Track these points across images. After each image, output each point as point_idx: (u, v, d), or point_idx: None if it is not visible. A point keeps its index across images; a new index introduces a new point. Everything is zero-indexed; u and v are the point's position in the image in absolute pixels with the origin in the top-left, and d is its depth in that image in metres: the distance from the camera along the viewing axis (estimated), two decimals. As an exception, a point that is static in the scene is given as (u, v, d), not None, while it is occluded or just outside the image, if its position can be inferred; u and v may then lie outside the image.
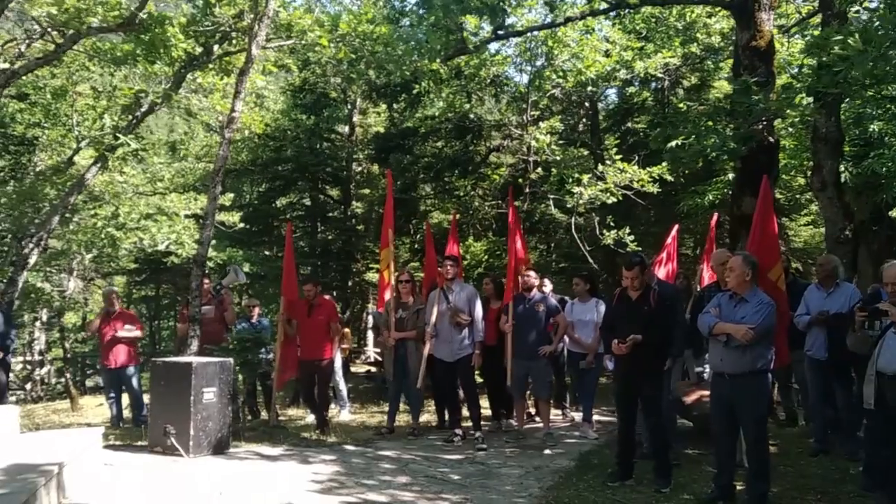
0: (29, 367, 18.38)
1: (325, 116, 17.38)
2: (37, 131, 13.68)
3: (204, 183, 17.57)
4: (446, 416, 7.98)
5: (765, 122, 8.67)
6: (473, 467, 6.17)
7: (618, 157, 13.24)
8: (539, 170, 14.78)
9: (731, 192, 10.65)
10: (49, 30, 9.44)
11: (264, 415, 9.04)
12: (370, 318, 16.48)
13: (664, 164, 11.91)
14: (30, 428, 8.12)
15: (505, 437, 7.64)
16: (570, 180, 13.10)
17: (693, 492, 5.18)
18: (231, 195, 16.46)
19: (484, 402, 8.04)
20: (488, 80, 14.67)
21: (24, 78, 10.67)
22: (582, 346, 7.69)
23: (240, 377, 8.39)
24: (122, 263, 16.70)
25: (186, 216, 14.62)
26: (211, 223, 8.36)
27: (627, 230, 12.86)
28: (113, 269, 17.91)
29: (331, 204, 19.47)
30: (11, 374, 12.58)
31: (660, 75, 13.81)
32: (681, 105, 11.64)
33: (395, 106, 16.95)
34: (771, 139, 8.96)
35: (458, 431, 7.33)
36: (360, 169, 19.15)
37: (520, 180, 15.17)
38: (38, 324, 18.85)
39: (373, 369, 13.28)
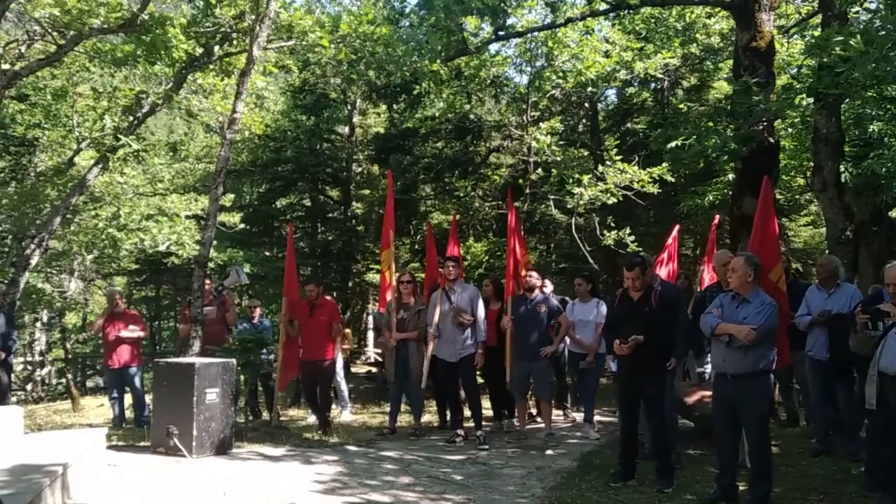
0: (29, 367, 18.38)
1: (325, 117, 17.37)
2: (37, 132, 13.69)
3: (204, 184, 17.60)
4: (447, 417, 7.99)
5: (765, 123, 8.68)
6: (476, 468, 6.18)
7: (618, 157, 13.28)
8: (539, 170, 14.81)
9: (730, 193, 10.67)
10: (50, 31, 9.45)
11: (265, 415, 9.05)
12: (370, 318, 16.48)
13: (664, 164, 11.94)
14: (32, 429, 8.13)
15: (507, 437, 7.65)
16: (571, 181, 13.13)
17: (695, 492, 5.19)
18: (231, 196, 16.49)
19: (485, 403, 8.06)
20: (488, 81, 14.70)
21: (24, 79, 10.68)
22: (582, 346, 7.71)
23: (241, 378, 8.40)
24: (122, 264, 16.71)
25: (187, 217, 14.62)
26: (213, 224, 8.37)
27: (628, 231, 12.90)
28: (114, 269, 17.93)
29: (331, 205, 19.48)
30: (12, 375, 12.57)
31: (659, 76, 13.85)
32: (681, 106, 11.67)
33: (395, 106, 16.97)
34: (771, 140, 8.97)
35: (460, 432, 7.34)
36: (360, 170, 19.16)
37: (520, 181, 15.21)
38: (38, 324, 18.86)
39: (373, 370, 13.29)
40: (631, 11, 12.53)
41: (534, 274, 7.60)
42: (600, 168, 13.12)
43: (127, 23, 9.07)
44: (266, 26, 8.45)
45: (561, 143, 14.97)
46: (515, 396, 7.63)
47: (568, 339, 7.86)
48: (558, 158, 14.27)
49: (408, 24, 11.96)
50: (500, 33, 11.37)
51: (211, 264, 13.51)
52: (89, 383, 19.00)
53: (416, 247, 17.02)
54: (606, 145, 16.25)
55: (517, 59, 14.94)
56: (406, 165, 16.37)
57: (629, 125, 16.95)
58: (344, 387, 9.61)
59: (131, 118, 11.38)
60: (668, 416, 5.85)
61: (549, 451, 6.84)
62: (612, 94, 18.08)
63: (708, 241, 8.92)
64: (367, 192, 19.06)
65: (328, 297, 8.54)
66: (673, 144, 8.70)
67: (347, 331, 12.16)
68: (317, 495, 5.12)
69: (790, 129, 11.39)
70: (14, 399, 13.33)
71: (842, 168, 9.15)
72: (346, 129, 19.01)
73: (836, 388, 6.20)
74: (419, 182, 16.88)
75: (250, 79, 8.81)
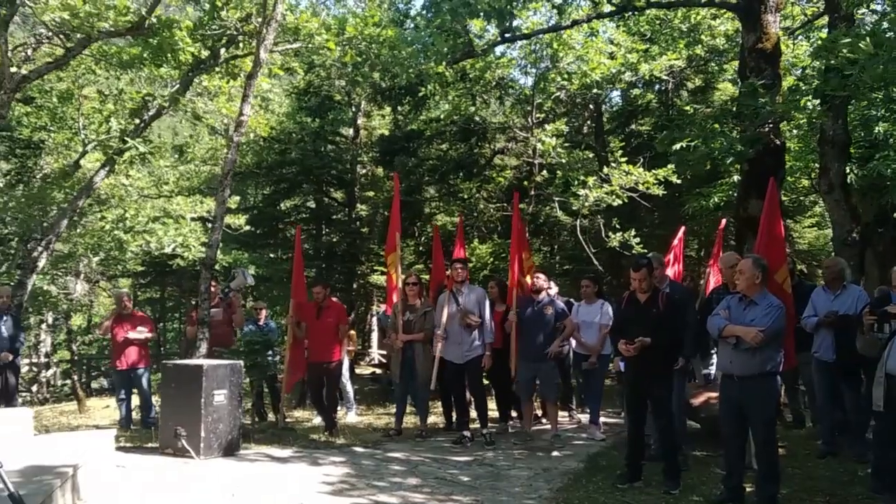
0: (35, 369, 18.42)
1: (330, 119, 17.42)
2: (43, 135, 13.73)
3: (209, 186, 17.63)
4: (453, 418, 8.00)
5: (771, 125, 8.69)
6: (482, 469, 6.19)
7: (623, 159, 13.28)
8: (544, 172, 14.83)
9: (736, 195, 10.67)
10: (57, 34, 9.49)
11: (271, 417, 9.07)
12: (375, 319, 16.51)
13: (669, 166, 11.95)
14: (40, 430, 8.15)
15: (513, 438, 7.66)
16: (575, 182, 13.16)
17: (702, 493, 5.20)
18: (237, 198, 16.52)
19: (491, 404, 8.07)
20: (493, 83, 14.73)
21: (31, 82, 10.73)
22: (585, 347, 7.71)
23: (247, 379, 8.42)
24: (128, 266, 16.75)
25: (192, 219, 14.66)
26: (220, 226, 8.39)
27: (632, 232, 12.90)
28: (119, 271, 17.97)
29: (335, 206, 19.52)
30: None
31: (664, 77, 13.86)
32: (686, 107, 11.67)
33: (399, 108, 17.01)
34: (777, 141, 8.98)
35: (467, 433, 7.35)
36: (364, 171, 19.19)
37: (525, 183, 15.22)
38: (43, 326, 18.91)
39: (377, 371, 13.31)
40: (636, 13, 12.56)
41: (541, 276, 7.62)
42: (605, 170, 13.12)
43: (135, 26, 9.11)
44: (273, 29, 8.48)
45: (566, 144, 14.99)
46: (521, 398, 7.63)
47: (573, 341, 7.87)
48: (563, 160, 14.30)
49: (412, 26, 11.98)
50: (506, 35, 11.40)
51: (216, 266, 13.55)
52: (94, 385, 19.05)
53: (421, 249, 17.04)
54: (611, 147, 16.27)
55: (522, 60, 14.99)
56: (411, 167, 16.39)
57: (634, 127, 16.96)
58: (349, 388, 9.62)
59: (137, 121, 11.42)
60: (677, 417, 5.86)
61: (555, 453, 6.84)
62: (616, 95, 18.11)
63: (714, 245, 8.92)
64: (371, 193, 19.10)
65: (335, 300, 8.57)
66: (678, 146, 8.72)
67: (352, 332, 12.19)
68: (325, 496, 5.14)
69: (796, 131, 11.38)
70: (20, 401, 13.38)
71: (848, 170, 9.14)
72: (351, 131, 19.06)
73: (843, 390, 6.20)
74: (424, 184, 16.91)
75: (256, 81, 8.84)
